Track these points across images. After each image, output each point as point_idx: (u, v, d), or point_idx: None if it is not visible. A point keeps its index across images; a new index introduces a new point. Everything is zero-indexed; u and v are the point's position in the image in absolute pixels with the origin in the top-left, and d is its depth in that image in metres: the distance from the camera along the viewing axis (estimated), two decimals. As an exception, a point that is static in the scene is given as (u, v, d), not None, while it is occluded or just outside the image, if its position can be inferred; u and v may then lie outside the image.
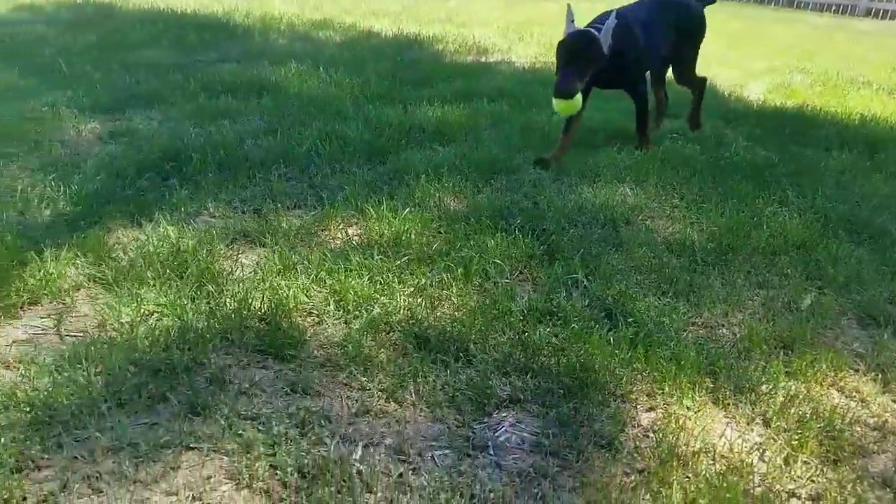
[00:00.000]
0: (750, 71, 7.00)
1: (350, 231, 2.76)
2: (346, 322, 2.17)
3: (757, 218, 3.07)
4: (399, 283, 2.34)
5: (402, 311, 2.20)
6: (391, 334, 2.09)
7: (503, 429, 1.77)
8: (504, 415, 1.82)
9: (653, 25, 3.84)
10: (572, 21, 3.46)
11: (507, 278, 2.43)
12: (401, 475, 1.59)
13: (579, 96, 3.37)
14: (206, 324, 2.06)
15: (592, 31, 3.45)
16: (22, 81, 4.32)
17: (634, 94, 3.94)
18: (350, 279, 2.32)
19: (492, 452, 1.69)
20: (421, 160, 3.52)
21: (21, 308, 2.12)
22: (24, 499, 1.47)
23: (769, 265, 2.69)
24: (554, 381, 1.91)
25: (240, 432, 1.66)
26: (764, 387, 1.97)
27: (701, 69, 4.33)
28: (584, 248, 2.66)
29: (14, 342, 1.98)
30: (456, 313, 2.21)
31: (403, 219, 2.76)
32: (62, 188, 2.86)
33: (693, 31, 4.20)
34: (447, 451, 1.67)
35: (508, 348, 2.04)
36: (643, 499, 1.56)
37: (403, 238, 2.63)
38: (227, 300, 2.18)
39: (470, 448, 1.69)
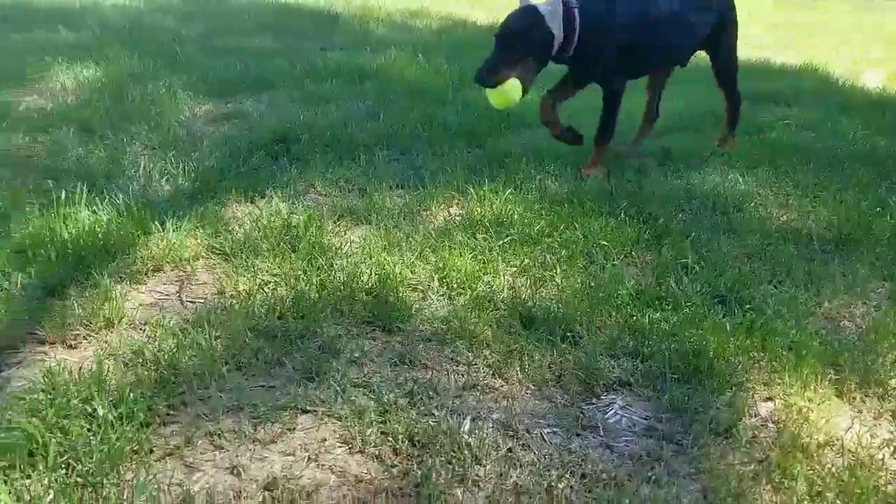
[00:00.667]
0: (864, 59, 6.58)
1: (452, 211, 2.77)
2: (449, 298, 2.18)
3: (880, 207, 2.88)
4: (502, 262, 2.33)
5: (505, 290, 2.20)
6: (495, 312, 2.08)
7: (612, 411, 1.73)
8: (613, 397, 1.78)
9: (661, 9, 3.06)
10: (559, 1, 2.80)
11: (613, 261, 2.37)
12: (510, 450, 1.58)
13: (514, 85, 2.71)
14: (317, 295, 2.12)
15: (540, 8, 2.79)
16: (141, 65, 4.56)
17: (606, 90, 3.13)
18: (454, 257, 2.33)
19: (602, 434, 1.66)
20: (520, 144, 3.50)
21: (146, 274, 2.25)
22: (151, 451, 1.55)
23: (895, 256, 2.52)
24: (665, 365, 1.85)
25: (352, 398, 1.70)
26: (893, 381, 1.85)
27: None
28: (694, 234, 2.57)
29: (140, 305, 2.09)
30: (561, 294, 2.18)
31: (505, 200, 2.75)
32: (181, 165, 3.01)
33: (730, 20, 3.38)
34: (556, 430, 1.66)
35: (616, 331, 2.00)
36: (764, 489, 1.49)
37: (506, 219, 2.62)
38: (337, 273, 2.23)
39: (579, 428, 1.67)
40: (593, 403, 1.76)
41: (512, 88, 2.75)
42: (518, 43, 2.78)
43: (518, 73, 2.76)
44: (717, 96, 3.62)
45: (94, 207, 2.50)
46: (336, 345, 1.92)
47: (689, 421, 1.69)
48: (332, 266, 2.28)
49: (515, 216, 2.62)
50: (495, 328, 2.01)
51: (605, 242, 2.44)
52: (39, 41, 5.30)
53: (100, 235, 2.33)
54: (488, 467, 1.53)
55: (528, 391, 1.79)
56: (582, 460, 1.56)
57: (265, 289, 2.15)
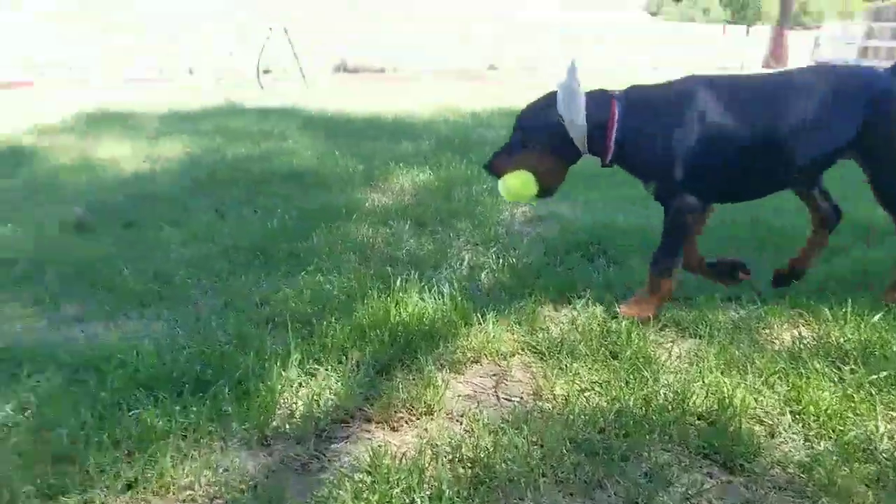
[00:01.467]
0: None
1: (801, 331, 2.36)
2: (807, 439, 1.79)
3: None
4: (880, 403, 1.87)
5: (885, 440, 1.73)
6: (875, 466, 1.64)
7: None
8: None
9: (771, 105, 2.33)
10: (575, 81, 2.32)
11: None
12: None
13: (522, 179, 2.32)
14: (642, 412, 1.89)
15: (561, 89, 2.33)
16: (468, 171, 4.91)
17: (666, 208, 2.48)
18: (810, 388, 1.93)
19: None
20: (890, 258, 2.93)
21: (465, 364, 2.23)
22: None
23: None
24: None
25: (690, 546, 1.42)
26: None
27: None
28: None
29: (458, 396, 2.06)
30: (973, 456, 1.65)
31: (873, 326, 2.26)
32: (500, 261, 3.05)
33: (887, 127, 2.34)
34: None
35: None
36: None
37: (877, 349, 2.14)
38: (663, 390, 1.98)
39: None
40: None
41: (519, 183, 2.36)
42: (524, 129, 2.40)
43: (528, 166, 2.36)
44: None
45: (423, 295, 2.60)
46: (666, 475, 1.66)
47: None
48: (658, 381, 2.04)
49: (895, 346, 2.12)
50: (877, 488, 1.56)
51: None
52: (385, 150, 6.05)
53: (426, 321, 2.40)
54: None
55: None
56: None
57: (584, 396, 1.98)
